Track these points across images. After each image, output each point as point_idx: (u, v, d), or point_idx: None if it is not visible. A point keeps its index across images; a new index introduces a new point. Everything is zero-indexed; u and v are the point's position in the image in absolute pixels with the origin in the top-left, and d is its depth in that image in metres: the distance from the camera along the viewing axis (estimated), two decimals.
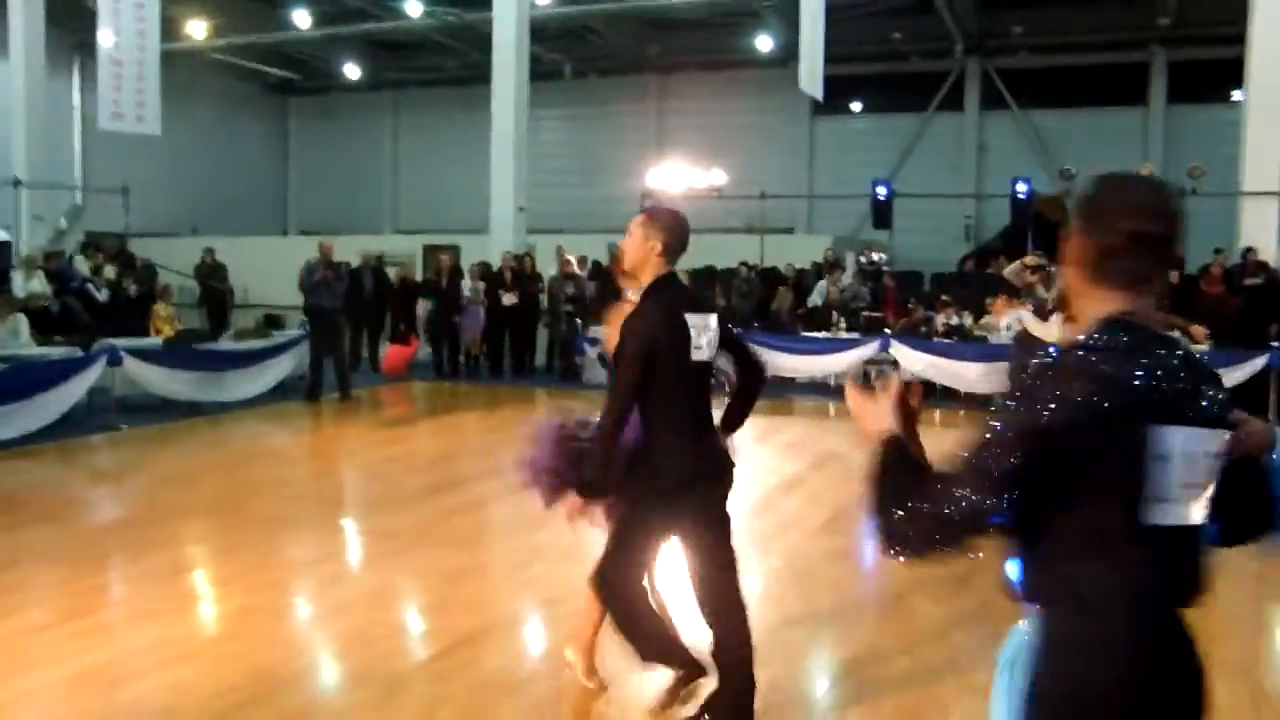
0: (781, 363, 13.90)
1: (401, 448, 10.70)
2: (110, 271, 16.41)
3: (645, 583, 4.17)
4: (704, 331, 3.79)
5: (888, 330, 13.75)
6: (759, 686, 3.98)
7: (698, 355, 3.77)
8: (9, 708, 4.38)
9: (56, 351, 11.70)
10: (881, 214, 19.43)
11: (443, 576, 6.14)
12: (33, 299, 13.51)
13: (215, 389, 12.35)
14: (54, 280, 15.05)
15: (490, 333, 15.87)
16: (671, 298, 3.81)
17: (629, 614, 4.08)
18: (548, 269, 16.25)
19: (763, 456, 10.02)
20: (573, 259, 15.95)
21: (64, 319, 13.75)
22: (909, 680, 4.64)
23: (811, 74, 16.64)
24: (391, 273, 16.41)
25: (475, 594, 5.95)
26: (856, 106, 26.56)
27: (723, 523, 3.96)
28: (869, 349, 13.48)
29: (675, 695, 4.26)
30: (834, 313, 14.77)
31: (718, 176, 22.04)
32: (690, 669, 4.23)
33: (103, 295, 15.41)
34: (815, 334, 14.29)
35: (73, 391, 10.71)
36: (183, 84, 23.54)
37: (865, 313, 15.66)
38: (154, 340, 12.70)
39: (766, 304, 15.79)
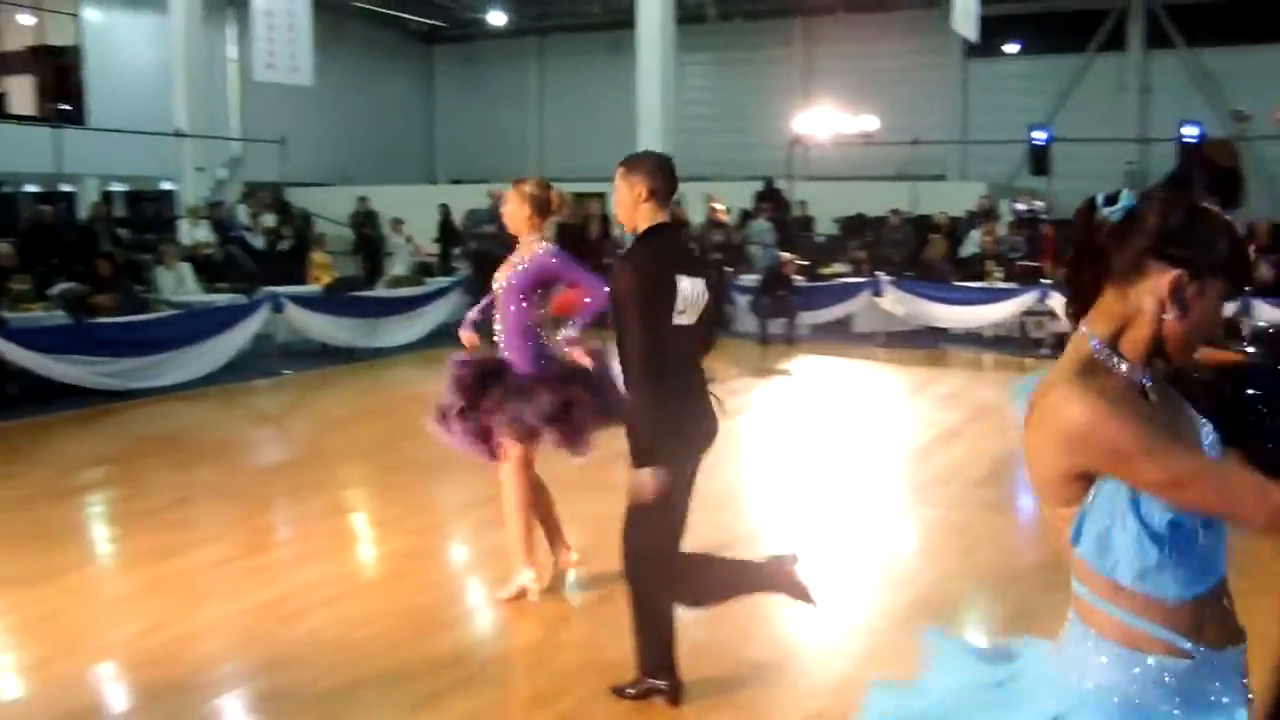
0: (935, 313, 13.59)
1: None
2: (269, 220, 17.01)
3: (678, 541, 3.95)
4: (691, 295, 3.67)
5: (1045, 280, 13.28)
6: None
7: (680, 319, 3.64)
8: (198, 634, 4.63)
9: (221, 298, 12.22)
10: (1039, 160, 18.73)
11: (596, 521, 6.21)
12: (198, 247, 14.09)
13: (372, 335, 12.72)
14: (217, 229, 15.68)
15: None
16: (664, 250, 3.70)
17: (680, 580, 3.93)
18: (694, 217, 16.19)
19: (918, 407, 9.85)
20: (721, 207, 15.83)
21: (226, 266, 14.32)
22: None
23: (965, 14, 16.06)
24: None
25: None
26: (1011, 48, 25.55)
27: (688, 486, 3.85)
28: (1026, 299, 13.06)
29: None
30: (989, 262, 14.34)
31: (867, 122, 21.56)
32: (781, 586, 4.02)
33: (260, 243, 15.99)
34: (969, 284, 13.91)
35: (238, 337, 11.16)
36: (332, 34, 24.10)
37: (1021, 262, 15.16)
38: (313, 287, 13.14)
39: (918, 252, 15.42)
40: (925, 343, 13.56)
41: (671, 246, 3.76)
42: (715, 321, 3.97)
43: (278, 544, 5.96)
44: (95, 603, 5.09)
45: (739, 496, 6.90)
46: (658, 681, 3.90)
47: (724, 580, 4.03)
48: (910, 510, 6.61)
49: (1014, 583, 5.23)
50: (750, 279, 14.58)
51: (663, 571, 3.83)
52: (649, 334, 3.53)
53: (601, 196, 18.08)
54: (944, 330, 13.87)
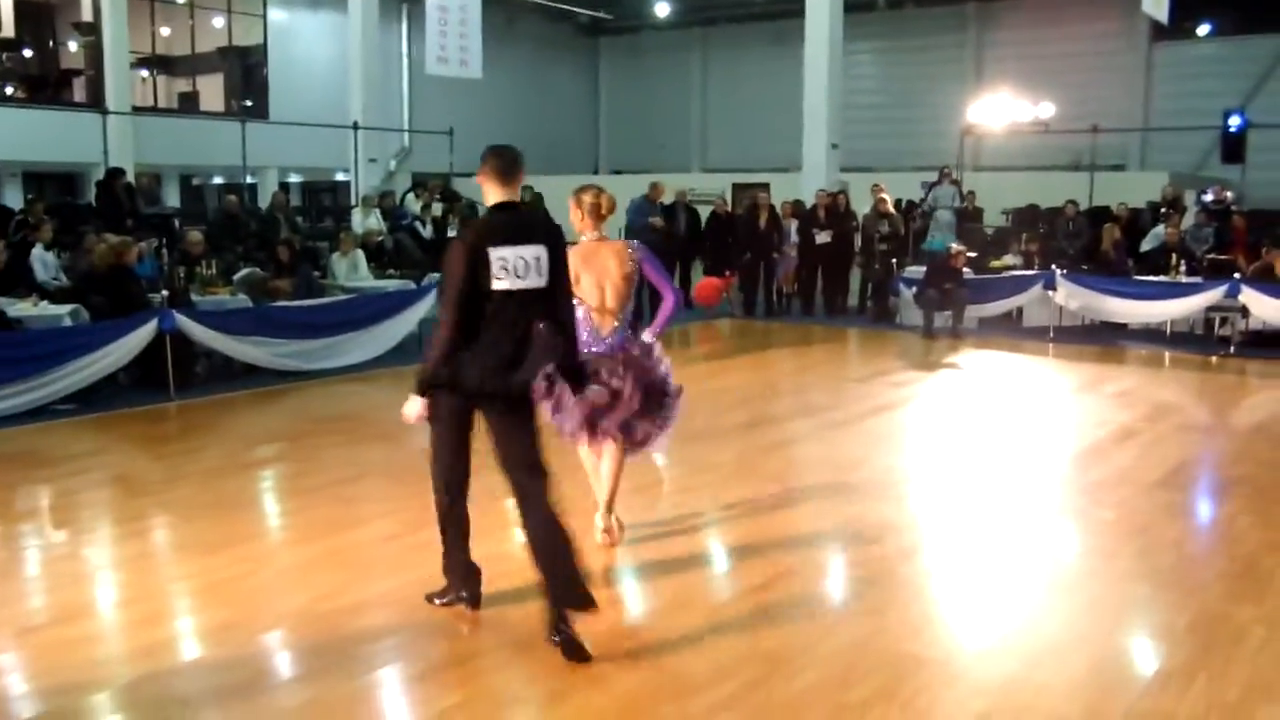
0: (1111, 307, 13.03)
1: (715, 383, 10.85)
2: (437, 209, 17.49)
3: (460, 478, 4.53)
4: (515, 263, 4.14)
5: (1237, 275, 12.57)
6: (1105, 646, 3.76)
7: (504, 284, 4.13)
8: (365, 606, 4.80)
9: (391, 284, 12.65)
10: (1232, 147, 17.78)
11: (761, 510, 6.20)
12: (369, 235, 14.60)
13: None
14: (387, 217, 16.22)
15: (802, 271, 15.77)
16: (488, 225, 4.30)
17: (442, 509, 4.56)
18: (861, 208, 15.93)
19: (1090, 405, 9.47)
20: (888, 198, 15.54)
21: (396, 254, 14.79)
22: (1265, 650, 4.25)
23: None
24: (704, 210, 16.65)
25: (793, 529, 5.96)
26: (1203, 29, 24.28)
27: (512, 426, 4.31)
28: (1213, 294, 12.40)
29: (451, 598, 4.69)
30: (1172, 255, 13.66)
31: (1044, 110, 20.82)
32: (462, 591, 4.65)
33: (428, 232, 16.46)
34: (1151, 278, 13.28)
35: (407, 321, 11.53)
36: (500, 28, 24.63)
37: (1210, 255, 14.41)
38: None
39: (1093, 245, 14.81)
40: (1100, 339, 13.02)
41: (500, 221, 4.26)
42: (569, 284, 4.44)
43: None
44: (270, 571, 5.33)
45: (900, 487, 6.77)
46: (461, 593, 4.60)
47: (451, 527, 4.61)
48: (1081, 511, 6.36)
49: (1195, 593, 4.97)
50: (916, 270, 14.26)
51: (435, 490, 4.56)
52: (451, 293, 4.15)
53: (766, 187, 18.00)
54: (1121, 326, 13.29)
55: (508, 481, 4.36)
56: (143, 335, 9.33)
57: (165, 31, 24.96)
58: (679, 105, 30.86)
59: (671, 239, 15.12)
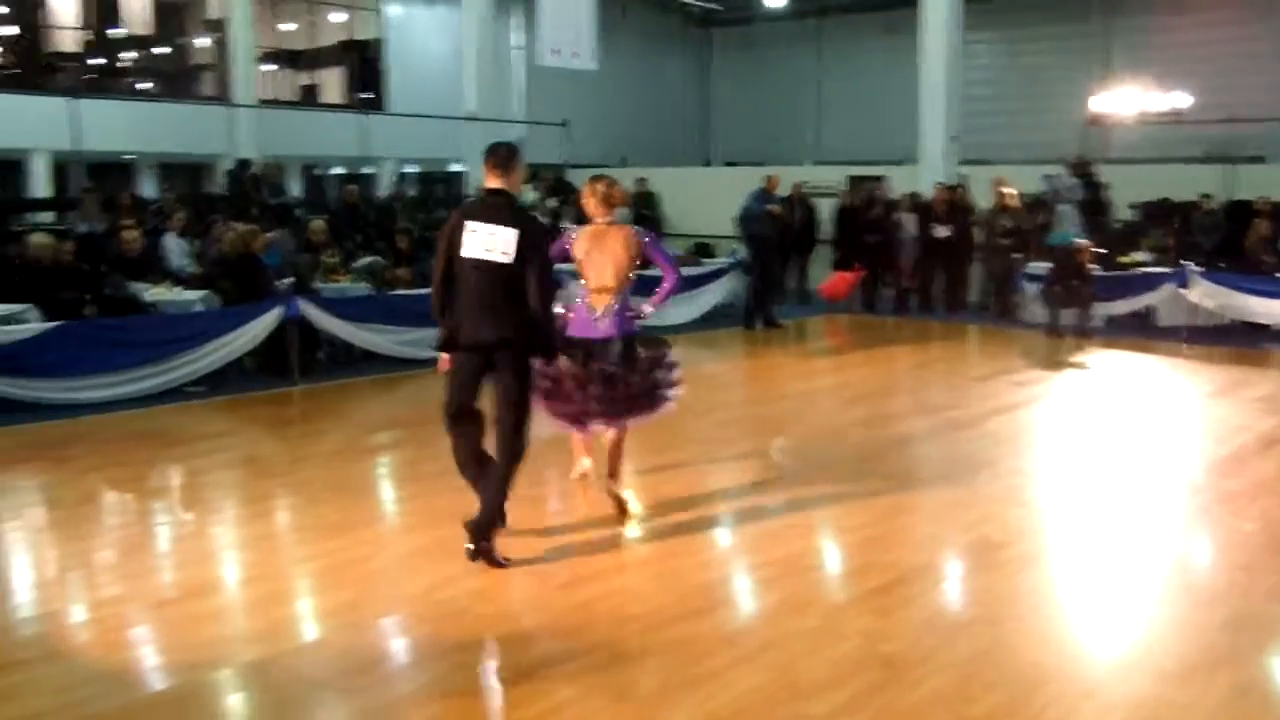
0: (1252, 307, 12.42)
1: (832, 379, 10.73)
2: (552, 201, 17.62)
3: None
4: (484, 239, 4.93)
5: None
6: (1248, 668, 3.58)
7: (466, 252, 4.96)
8: (482, 595, 4.84)
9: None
10: None
11: (879, 511, 6.08)
12: None
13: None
14: None
15: (922, 266, 15.47)
16: (470, 203, 5.70)
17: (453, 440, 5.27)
18: (981, 201, 15.55)
19: (1229, 410, 9.07)
20: (1010, 191, 15.11)
21: None
22: None
23: None
24: (825, 203, 16.52)
25: (912, 531, 5.85)
26: None
27: (499, 373, 5.07)
28: None
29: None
30: None
31: (1178, 100, 20.04)
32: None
33: (544, 222, 16.62)
34: None
35: None
36: (613, 20, 24.65)
37: None
38: None
39: (1235, 240, 14.16)
40: (1240, 340, 12.47)
41: (484, 202, 5.13)
42: (543, 268, 5.03)
43: (555, 514, 6.13)
44: (390, 556, 5.42)
45: (1023, 491, 6.59)
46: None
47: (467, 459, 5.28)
48: (1219, 521, 6.09)
49: None
50: (1040, 266, 13.86)
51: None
52: (438, 256, 5.11)
53: (881, 180, 17.70)
54: (1263, 328, 12.69)
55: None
56: (268, 321, 9.60)
57: (288, 27, 25.61)
58: (792, 96, 30.55)
59: (788, 231, 14.99)
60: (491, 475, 5.10)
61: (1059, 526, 5.96)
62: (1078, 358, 11.65)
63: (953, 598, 5.04)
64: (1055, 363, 11.40)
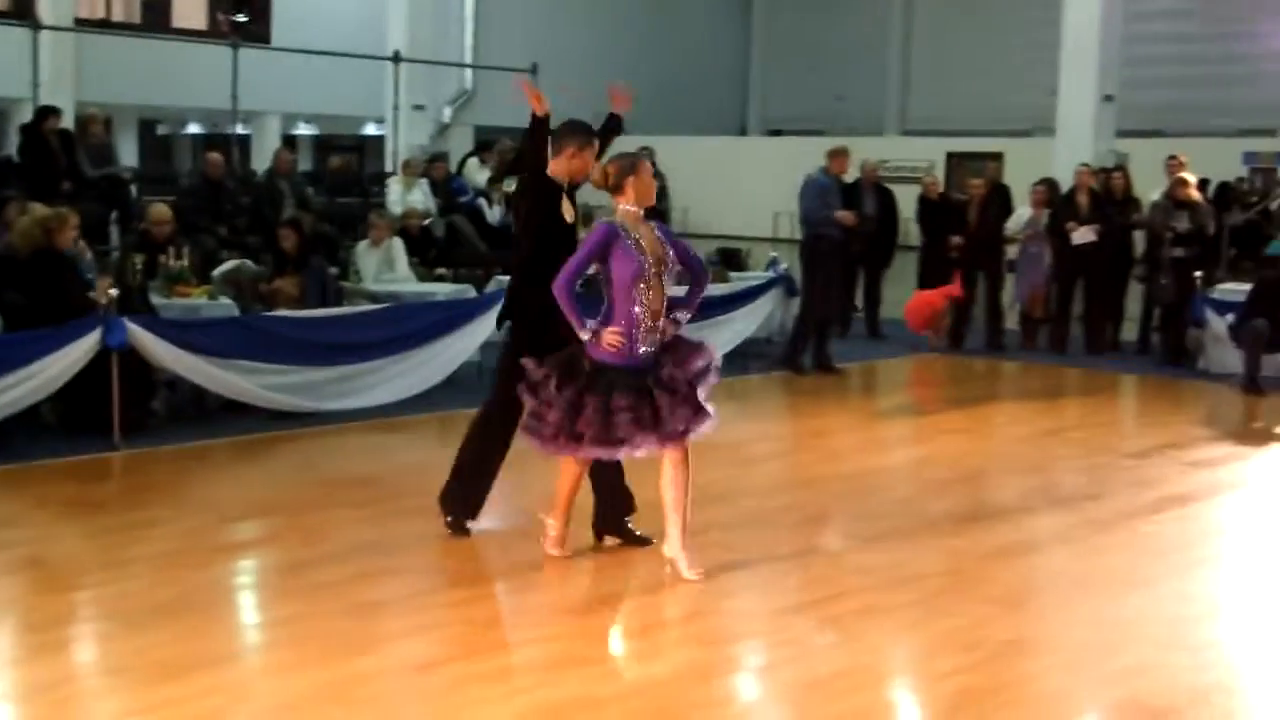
0: None
1: (913, 452, 10.71)
2: (509, 183, 17.61)
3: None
4: None
5: None
6: None
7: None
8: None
9: (442, 289, 12.73)
10: None
11: (983, 653, 6.01)
12: (411, 216, 14.69)
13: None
14: (438, 192, 16.38)
15: (1056, 285, 15.48)
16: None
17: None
18: (1149, 192, 15.59)
19: None
20: (1190, 178, 15.15)
21: (450, 244, 14.93)
22: None
23: None
24: (900, 190, 16.56)
25: (1032, 685, 5.78)
26: None
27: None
28: None
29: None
30: None
31: None
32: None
33: (494, 215, 16.52)
34: None
35: (464, 344, 11.59)
36: None
37: None
38: None
39: None
40: None
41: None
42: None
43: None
44: (250, 710, 5.31)
45: (1201, 631, 6.53)
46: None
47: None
48: None
49: None
50: (1234, 289, 13.82)
51: None
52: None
53: (999, 158, 17.75)
54: None
55: None
56: (79, 353, 9.46)
57: None
58: (869, 44, 30.80)
59: (859, 237, 14.80)
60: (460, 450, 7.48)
61: (1251, 685, 5.92)
62: None
63: None
64: (1253, 433, 11.55)
